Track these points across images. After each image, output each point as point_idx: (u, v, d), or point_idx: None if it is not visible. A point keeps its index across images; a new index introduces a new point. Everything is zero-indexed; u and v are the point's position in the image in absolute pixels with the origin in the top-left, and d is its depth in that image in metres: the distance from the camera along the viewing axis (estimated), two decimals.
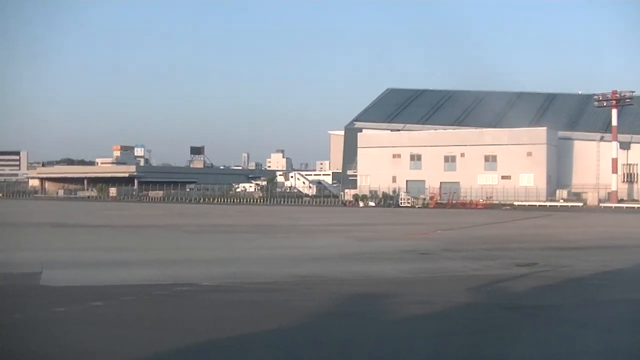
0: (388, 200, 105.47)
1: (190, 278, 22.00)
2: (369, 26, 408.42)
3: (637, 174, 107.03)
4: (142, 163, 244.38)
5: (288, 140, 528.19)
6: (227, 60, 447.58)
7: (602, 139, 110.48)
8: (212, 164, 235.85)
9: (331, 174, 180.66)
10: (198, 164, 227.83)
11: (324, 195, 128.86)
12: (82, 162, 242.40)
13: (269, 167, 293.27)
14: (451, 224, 56.29)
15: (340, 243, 37.24)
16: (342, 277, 22.97)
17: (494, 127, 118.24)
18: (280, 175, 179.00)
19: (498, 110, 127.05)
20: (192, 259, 29.21)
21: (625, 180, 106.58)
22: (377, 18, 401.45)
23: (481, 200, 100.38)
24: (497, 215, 72.67)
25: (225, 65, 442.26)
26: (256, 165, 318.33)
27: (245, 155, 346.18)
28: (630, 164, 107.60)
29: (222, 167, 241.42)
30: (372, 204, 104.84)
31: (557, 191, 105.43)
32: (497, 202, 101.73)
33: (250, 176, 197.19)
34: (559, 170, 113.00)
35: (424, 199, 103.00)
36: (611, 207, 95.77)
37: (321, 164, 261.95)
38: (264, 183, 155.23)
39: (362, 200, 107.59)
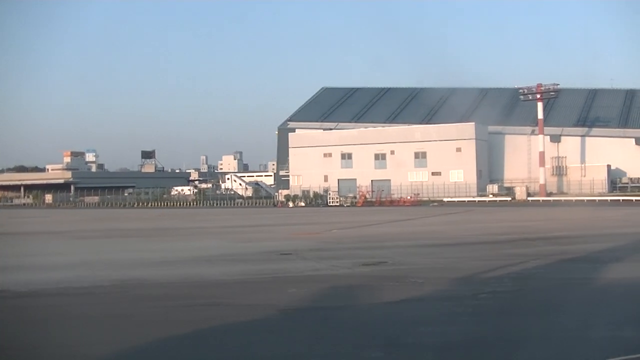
0: (317, 200, 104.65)
1: (12, 284, 21.68)
2: (324, 24, 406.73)
3: (566, 166, 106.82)
4: (93, 168, 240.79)
5: (246, 142, 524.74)
6: (180, 62, 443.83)
7: (533, 133, 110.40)
8: (163, 168, 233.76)
9: (273, 174, 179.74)
10: (149, 168, 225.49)
11: (260, 197, 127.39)
12: (36, 169, 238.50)
13: (221, 169, 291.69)
14: (356, 222, 55.39)
15: (212, 245, 35.96)
16: (162, 281, 22.22)
17: (427, 123, 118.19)
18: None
19: (431, 106, 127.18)
20: (43, 265, 28.25)
21: (555, 173, 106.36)
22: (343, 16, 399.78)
23: (409, 197, 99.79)
24: (416, 213, 71.78)
25: (178, 66, 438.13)
26: (209, 168, 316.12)
27: (204, 157, 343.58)
28: (559, 157, 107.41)
29: (177, 171, 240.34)
30: (302, 204, 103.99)
31: (488, 186, 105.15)
32: (427, 198, 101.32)
33: (192, 179, 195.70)
34: (491, 164, 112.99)
35: (353, 198, 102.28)
36: (539, 200, 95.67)
37: (273, 164, 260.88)
38: (209, 186, 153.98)
39: (293, 200, 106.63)
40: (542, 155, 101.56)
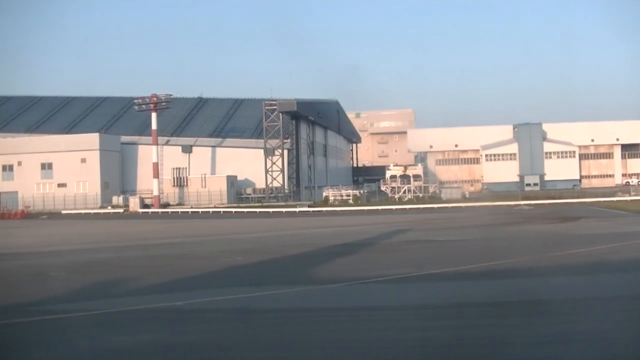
0: None
1: None
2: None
3: (187, 178, 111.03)
4: None
5: None
6: None
7: (167, 143, 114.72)
8: None
9: None
10: None
11: None
12: None
13: None
14: None
15: None
16: None
17: (68, 133, 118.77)
18: None
19: (75, 116, 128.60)
20: None
21: (176, 184, 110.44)
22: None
23: (19, 210, 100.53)
24: None
25: None
26: None
27: None
28: (180, 168, 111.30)
29: None
30: None
31: (114, 197, 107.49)
32: (48, 210, 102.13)
33: None
34: (124, 175, 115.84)
35: None
36: (148, 212, 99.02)
37: None
38: None
39: None
40: (155, 166, 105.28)
